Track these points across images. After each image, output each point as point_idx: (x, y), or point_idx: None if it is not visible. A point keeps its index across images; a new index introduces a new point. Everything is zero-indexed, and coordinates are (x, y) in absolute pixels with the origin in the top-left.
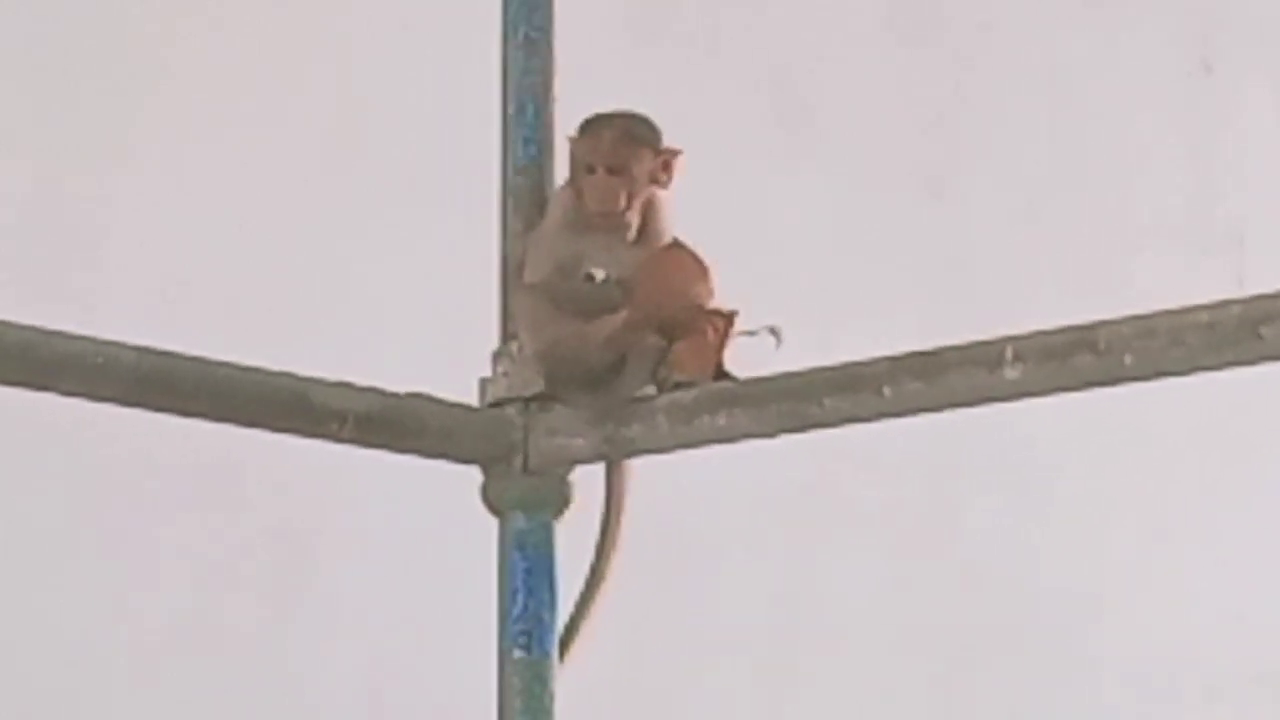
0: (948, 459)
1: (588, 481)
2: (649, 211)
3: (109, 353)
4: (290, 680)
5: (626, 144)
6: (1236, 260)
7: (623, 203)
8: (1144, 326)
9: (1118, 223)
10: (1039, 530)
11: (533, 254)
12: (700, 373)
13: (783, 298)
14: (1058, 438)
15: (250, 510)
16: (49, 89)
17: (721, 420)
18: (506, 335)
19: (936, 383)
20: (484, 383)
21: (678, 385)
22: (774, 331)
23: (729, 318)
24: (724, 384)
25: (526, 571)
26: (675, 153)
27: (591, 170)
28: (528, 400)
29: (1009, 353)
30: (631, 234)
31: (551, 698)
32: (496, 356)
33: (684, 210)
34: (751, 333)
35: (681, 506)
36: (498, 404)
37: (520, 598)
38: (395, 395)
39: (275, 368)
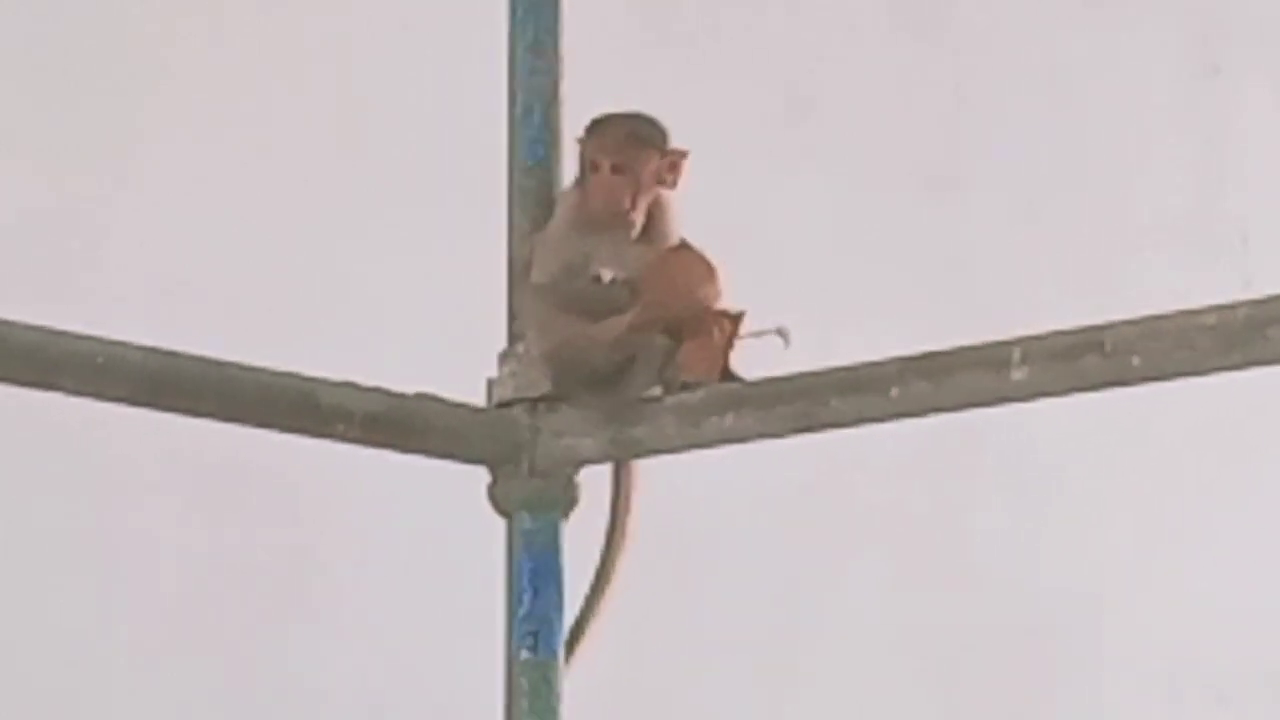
0: (952, 460)
1: (595, 482)
2: (656, 212)
3: (115, 352)
4: (297, 680)
5: (632, 144)
6: (1242, 261)
7: (627, 202)
8: (1151, 328)
9: (1123, 224)
10: (1043, 531)
11: (540, 255)
12: (707, 374)
13: (789, 299)
14: (1062, 439)
15: (257, 510)
16: (52, 90)
17: (728, 421)
18: (513, 336)
19: (943, 384)
20: (491, 383)
21: (685, 386)
22: (781, 332)
23: (736, 319)
24: (731, 385)
25: (533, 572)
26: (681, 153)
27: (597, 170)
28: (535, 401)
29: (1016, 354)
30: (636, 233)
31: (558, 698)
32: (503, 357)
33: (691, 211)
34: (759, 334)
35: (688, 507)
36: (505, 404)
37: (527, 598)
38: (402, 396)
39: (282, 368)
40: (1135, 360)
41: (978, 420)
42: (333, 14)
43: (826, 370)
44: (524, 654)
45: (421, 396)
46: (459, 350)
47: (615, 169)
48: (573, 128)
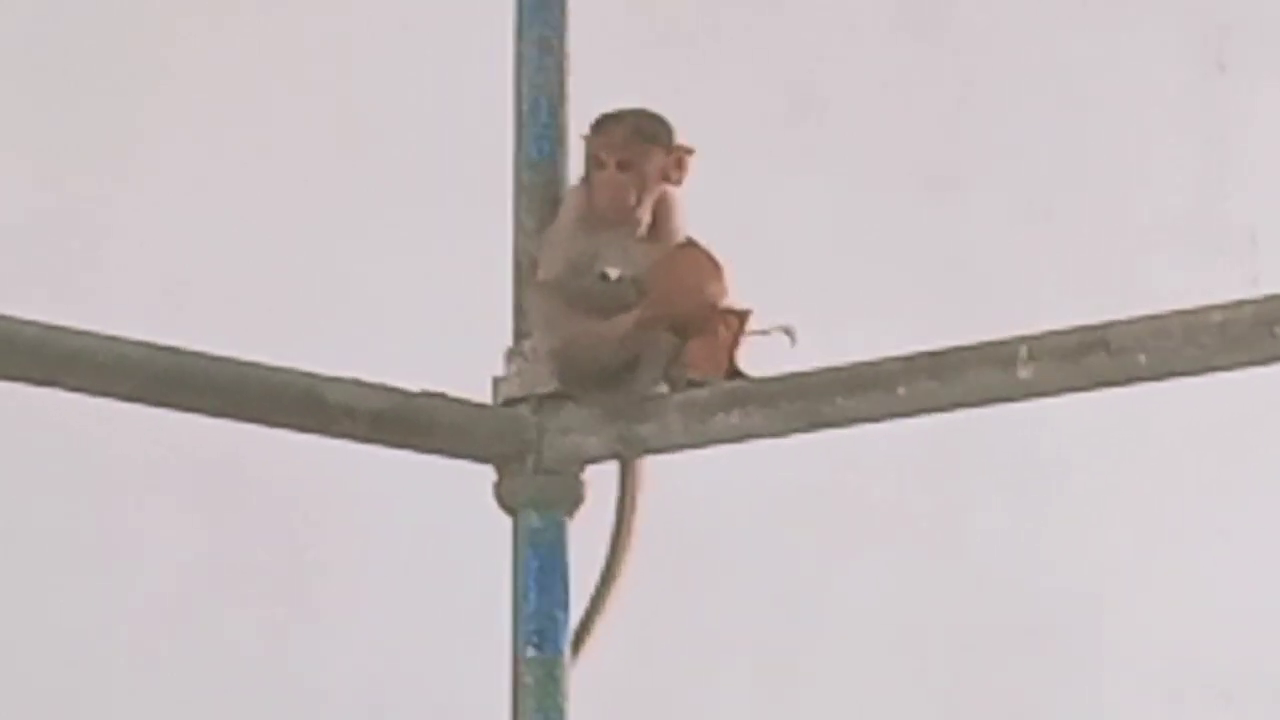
0: (955, 460)
1: (601, 480)
2: (662, 209)
3: (120, 350)
4: (300, 678)
5: (637, 141)
6: (1249, 260)
7: (633, 199)
8: (1158, 326)
9: (1130, 222)
10: (1045, 531)
11: (546, 252)
12: (713, 371)
13: (795, 297)
14: (1064, 439)
15: (262, 508)
16: (54, 90)
17: (734, 419)
18: (519, 333)
19: (950, 382)
20: (497, 381)
21: (691, 384)
22: (787, 330)
23: (742, 316)
24: (737, 383)
25: (539, 570)
26: (687, 150)
27: (602, 166)
28: (541, 398)
29: (1023, 352)
30: (642, 231)
31: (564, 696)
32: (510, 355)
33: (696, 208)
34: (765, 332)
35: (694, 505)
36: (511, 402)
37: (533, 596)
38: (408, 393)
39: (287, 366)
40: (1142, 358)
41: (981, 419)
42: (334, 11)
43: (833, 368)
44: (530, 652)
45: (427, 394)
46: (464, 347)
47: (621, 166)
48: (579, 125)
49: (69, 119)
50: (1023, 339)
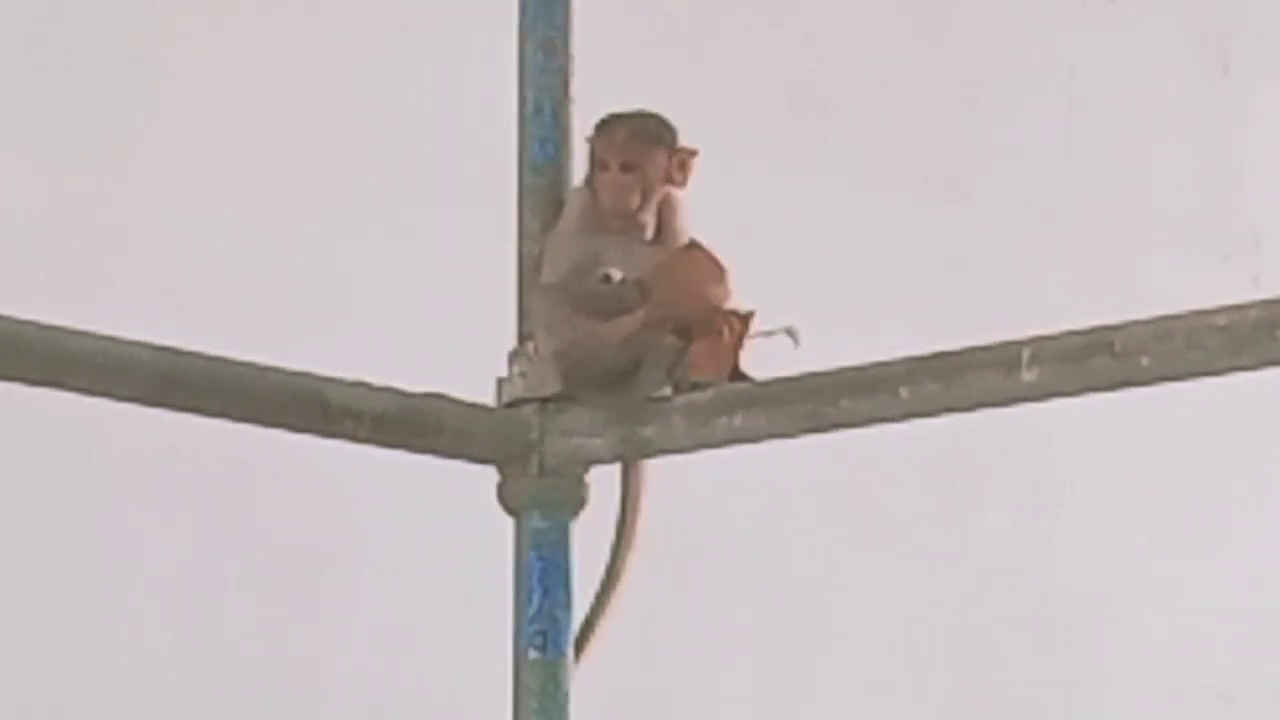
0: (960, 461)
1: (604, 482)
2: (665, 211)
3: (126, 352)
4: (304, 679)
5: (640, 142)
6: (1252, 263)
7: (636, 201)
8: (1161, 329)
9: (1133, 224)
10: (1051, 532)
11: (549, 254)
12: (717, 373)
13: (799, 299)
14: (1070, 441)
15: (266, 509)
16: (56, 90)
17: (738, 421)
18: (523, 335)
19: (953, 384)
20: (500, 383)
21: (694, 386)
22: (791, 332)
23: (746, 318)
24: (740, 385)
25: (542, 571)
26: (691, 152)
27: (605, 168)
28: (544, 400)
29: (1026, 354)
30: (647, 233)
31: (566, 698)
32: (513, 356)
33: (700, 210)
34: (768, 333)
35: (697, 507)
36: (514, 404)
37: (536, 598)
38: (412, 395)
39: (291, 367)
40: (1145, 361)
41: (986, 421)
42: (336, 12)
43: (836, 370)
44: (532, 653)
45: (431, 396)
46: (468, 350)
47: (624, 168)
48: (583, 127)
49: (70, 119)
50: (1026, 341)
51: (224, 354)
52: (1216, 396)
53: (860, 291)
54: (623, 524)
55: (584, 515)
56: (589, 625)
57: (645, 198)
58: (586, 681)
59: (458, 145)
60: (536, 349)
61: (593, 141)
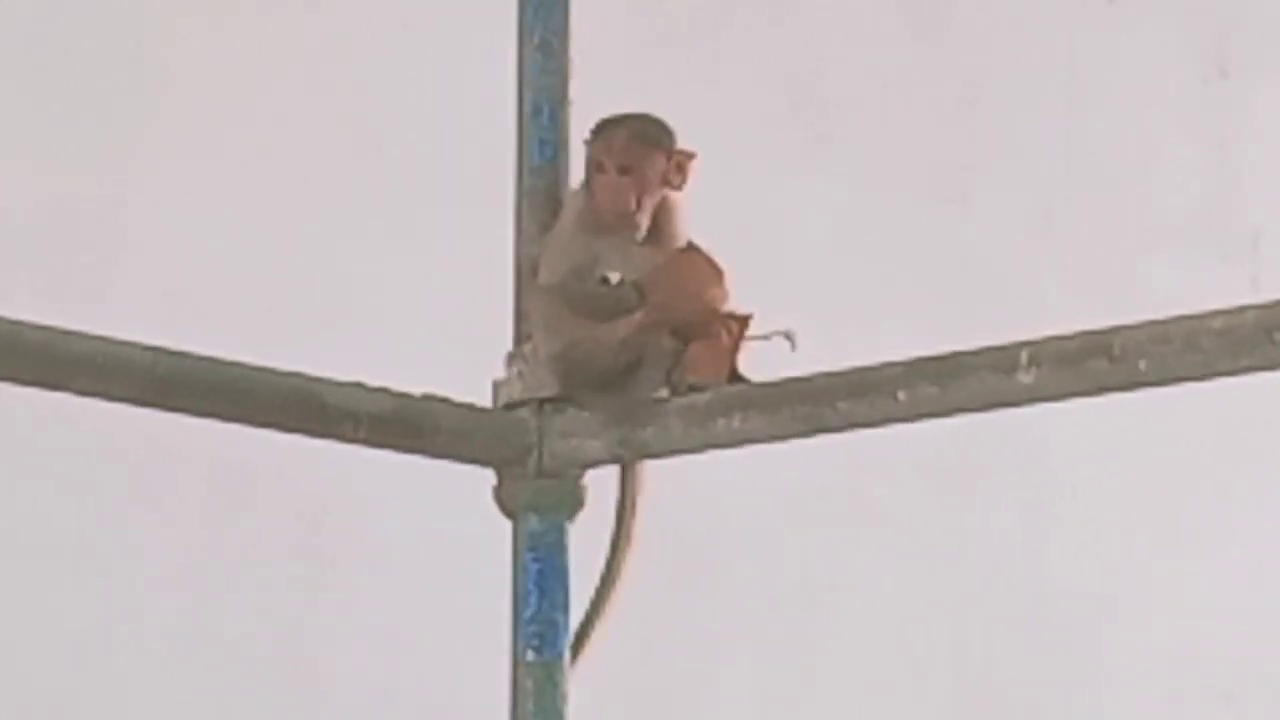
0: (962, 463)
1: (601, 483)
2: (663, 213)
3: (123, 353)
4: (303, 680)
5: (637, 145)
6: (1251, 265)
7: (633, 203)
8: (1159, 332)
9: (1132, 227)
10: (1052, 534)
11: (547, 256)
12: (714, 375)
13: (797, 301)
14: (1072, 442)
15: (263, 511)
16: (56, 91)
17: (735, 423)
18: (521, 337)
19: (951, 387)
20: (498, 384)
21: (692, 388)
22: (788, 335)
23: (743, 321)
24: (738, 387)
25: (540, 573)
26: (688, 154)
27: (603, 170)
28: (542, 402)
29: (1024, 357)
30: (642, 234)
31: (564, 699)
32: (511, 358)
33: (697, 212)
34: (766, 336)
35: (695, 509)
36: (512, 406)
37: (533, 599)
38: (409, 396)
39: (289, 368)
40: (1143, 364)
41: (987, 423)
42: (336, 13)
43: (834, 372)
44: (530, 655)
45: (428, 397)
46: (466, 351)
47: (621, 170)
48: (581, 129)
49: (70, 119)
50: (1024, 344)
51: (222, 355)
52: (1217, 397)
53: (859, 292)
54: (620, 525)
55: (581, 517)
56: (586, 627)
57: (642, 200)
58: (584, 683)
59: (456, 146)
60: (534, 350)
61: (590, 144)
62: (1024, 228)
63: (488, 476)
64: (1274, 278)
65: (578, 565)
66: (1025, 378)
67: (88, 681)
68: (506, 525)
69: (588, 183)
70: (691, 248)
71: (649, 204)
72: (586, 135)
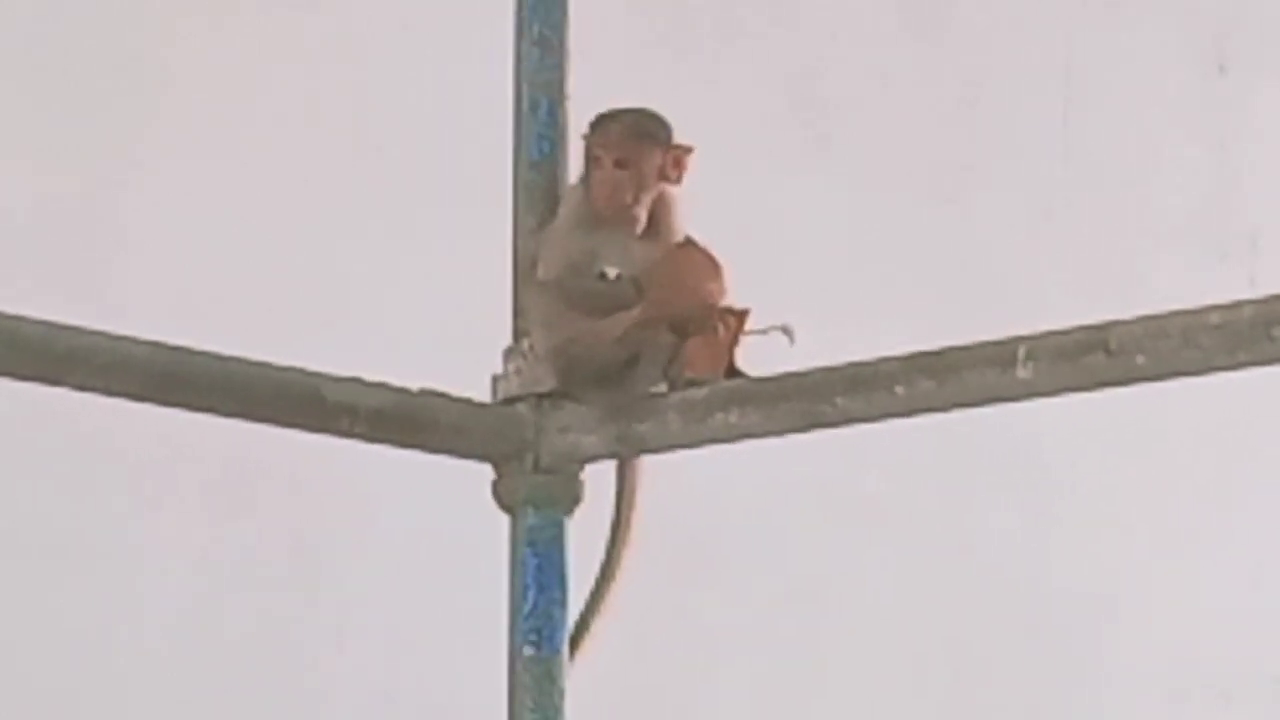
0: (960, 459)
1: (599, 479)
2: (661, 208)
3: (122, 348)
4: (300, 677)
5: (634, 139)
6: (1249, 261)
7: (629, 197)
8: (1156, 327)
9: (1131, 223)
10: (1052, 531)
11: (545, 251)
12: (712, 371)
13: (794, 296)
14: (1071, 439)
15: (261, 506)
16: (57, 90)
17: (733, 418)
18: (519, 332)
19: (949, 382)
20: (496, 379)
21: (690, 383)
22: (786, 330)
23: (741, 316)
24: (736, 382)
25: (537, 568)
26: (686, 149)
27: (600, 165)
28: (540, 397)
29: (1021, 352)
30: (639, 229)
31: (562, 695)
32: (508, 353)
33: (697, 208)
34: (764, 331)
35: (693, 504)
36: (510, 401)
37: (531, 595)
38: (407, 391)
39: (287, 364)
40: (1140, 359)
41: (984, 419)
42: (335, 11)
43: (831, 368)
44: (528, 651)
45: (426, 392)
46: (464, 346)
47: (618, 164)
48: (579, 125)
49: (70, 119)
50: (1021, 339)
51: (222, 352)
52: (1218, 395)
53: (859, 290)
54: (618, 521)
55: (579, 512)
56: (584, 622)
57: (640, 195)
58: (582, 678)
59: (454, 142)
60: (532, 346)
61: (587, 139)
62: (1023, 226)
63: (486, 472)
64: (1273, 276)
65: (576, 560)
66: (1023, 372)
67: (88, 681)
68: (504, 520)
69: (585, 178)
70: (689, 242)
71: (646, 198)
72: (584, 130)
